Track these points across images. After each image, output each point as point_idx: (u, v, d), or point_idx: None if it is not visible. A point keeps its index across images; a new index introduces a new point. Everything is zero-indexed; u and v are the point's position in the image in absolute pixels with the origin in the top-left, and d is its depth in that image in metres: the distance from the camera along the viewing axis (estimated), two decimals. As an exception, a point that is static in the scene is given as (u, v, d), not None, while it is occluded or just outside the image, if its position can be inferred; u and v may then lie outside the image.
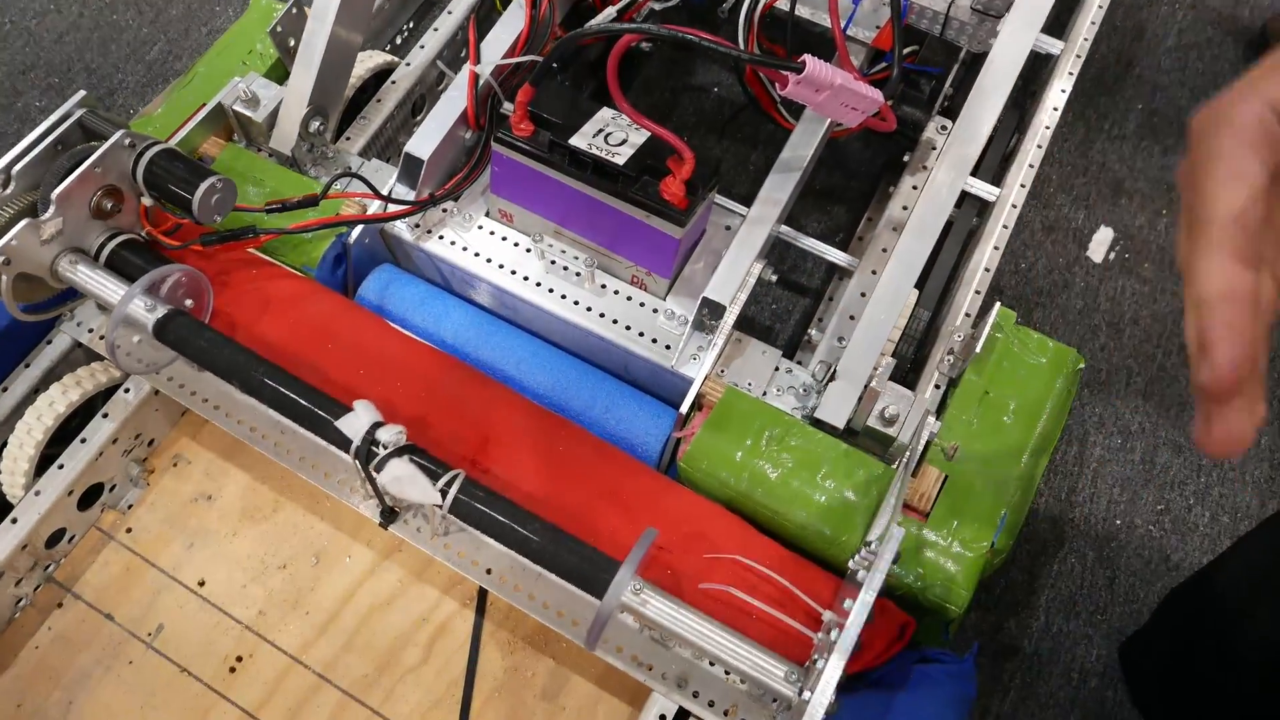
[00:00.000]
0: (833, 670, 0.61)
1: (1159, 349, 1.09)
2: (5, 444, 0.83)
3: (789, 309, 1.10)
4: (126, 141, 0.77)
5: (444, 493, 0.69)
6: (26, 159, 0.75)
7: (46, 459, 0.83)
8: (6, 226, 0.73)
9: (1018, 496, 0.81)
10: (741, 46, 1.00)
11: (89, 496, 0.85)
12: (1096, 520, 1.01)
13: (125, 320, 0.74)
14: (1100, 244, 1.15)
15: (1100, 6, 1.10)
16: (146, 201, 0.80)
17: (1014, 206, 0.97)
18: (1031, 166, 0.99)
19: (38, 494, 0.81)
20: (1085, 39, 1.07)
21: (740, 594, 0.72)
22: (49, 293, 0.81)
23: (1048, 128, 1.02)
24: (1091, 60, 1.25)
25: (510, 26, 0.97)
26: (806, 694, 0.62)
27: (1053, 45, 1.08)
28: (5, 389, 0.86)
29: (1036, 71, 1.09)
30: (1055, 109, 1.03)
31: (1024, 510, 0.82)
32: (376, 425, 0.71)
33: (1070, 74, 1.05)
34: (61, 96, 1.22)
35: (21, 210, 0.75)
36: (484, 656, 0.83)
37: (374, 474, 0.71)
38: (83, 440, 0.83)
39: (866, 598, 0.61)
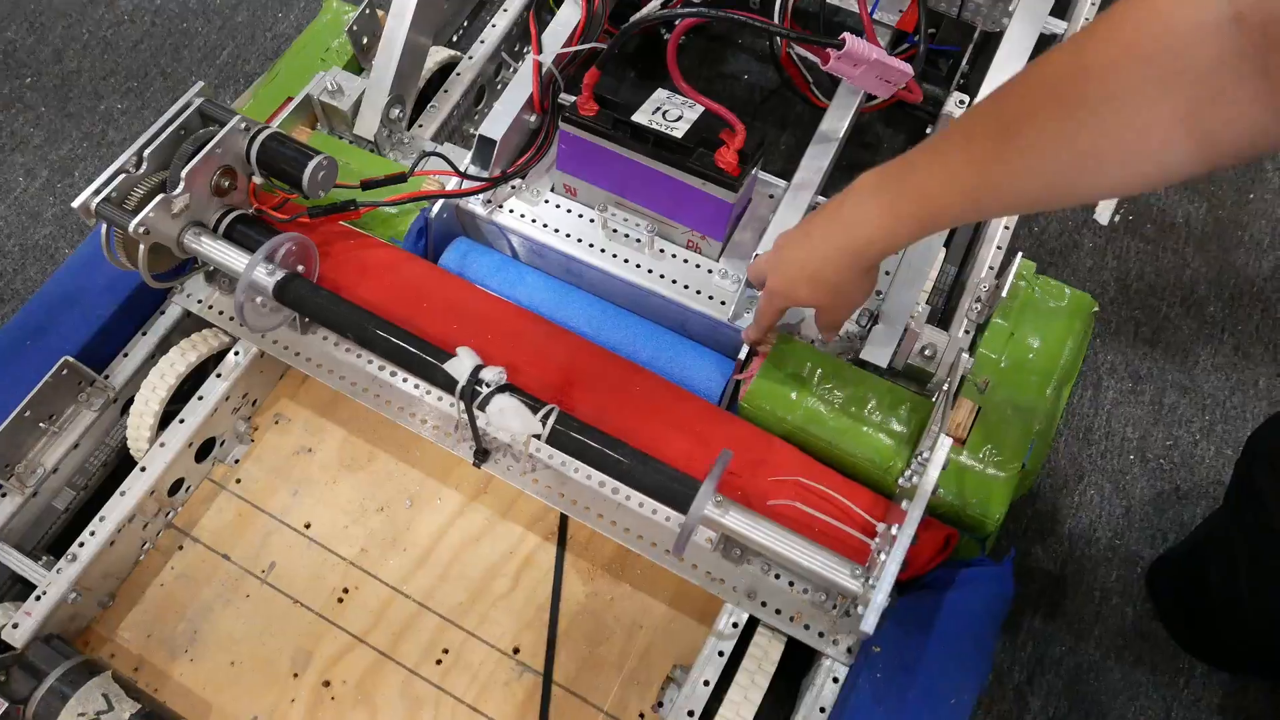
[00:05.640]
0: (896, 557, 0.70)
1: (1163, 301, 1.18)
2: (129, 402, 0.92)
3: (823, 273, 1.19)
4: (242, 126, 0.86)
5: (544, 423, 0.78)
6: (156, 142, 0.84)
7: (166, 416, 0.92)
8: (143, 202, 0.82)
9: (1044, 424, 0.90)
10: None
11: (203, 450, 0.94)
12: (1112, 456, 1.10)
13: (251, 285, 0.83)
14: (1106, 208, 1.24)
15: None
16: (257, 180, 0.90)
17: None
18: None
19: (163, 445, 0.90)
20: (1086, 18, 1.17)
21: (805, 508, 0.81)
22: (171, 263, 0.90)
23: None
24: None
25: (567, 20, 1.07)
26: (872, 581, 0.71)
27: (1057, 25, 1.18)
28: (126, 355, 0.95)
29: (1043, 49, 1.19)
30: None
31: (1049, 437, 0.92)
32: (480, 367, 0.80)
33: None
34: (140, 99, 1.31)
35: (153, 188, 0.84)
36: (567, 583, 0.92)
37: (477, 411, 0.80)
38: (200, 398, 0.92)
39: (926, 488, 0.70)
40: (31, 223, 1.23)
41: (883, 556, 0.72)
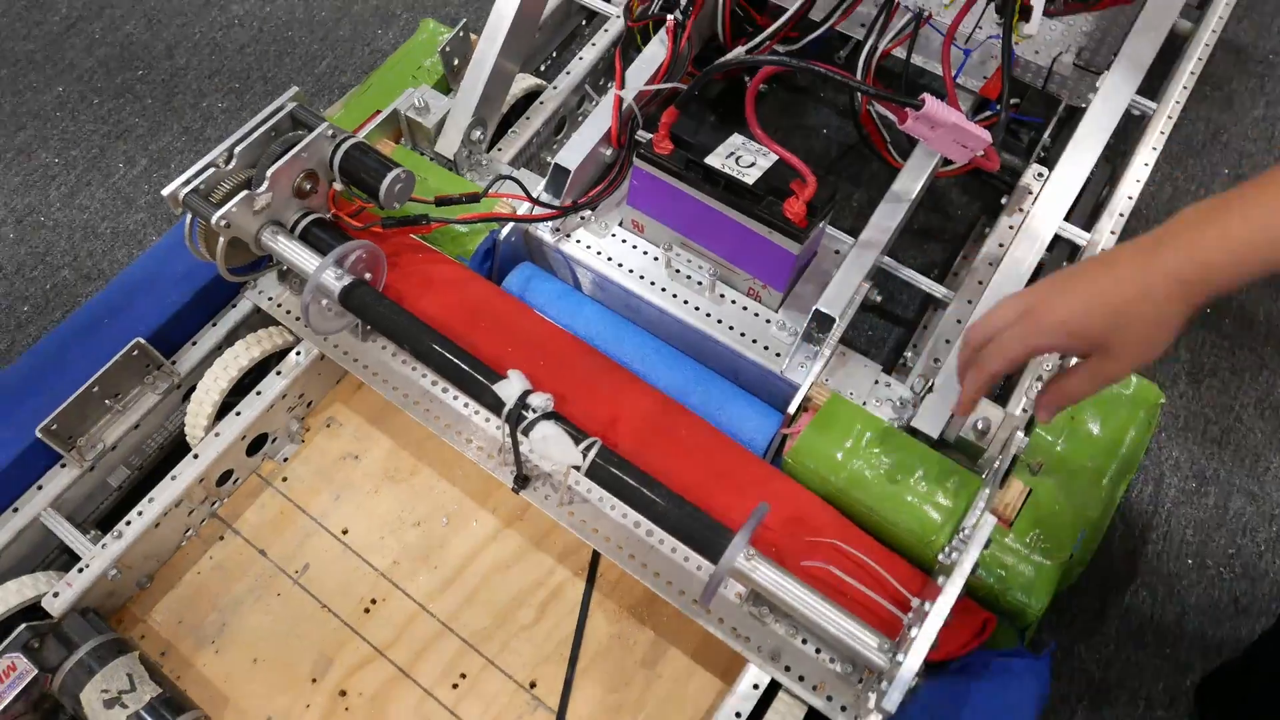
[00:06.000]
0: (927, 635, 0.67)
1: (1236, 401, 1.14)
2: (192, 390, 0.95)
3: (884, 335, 1.18)
4: (329, 133, 0.89)
5: (584, 455, 0.78)
6: (248, 140, 0.87)
7: (225, 407, 0.95)
8: (228, 196, 0.85)
9: (1097, 514, 0.87)
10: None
11: (255, 445, 0.96)
12: (1169, 558, 1.06)
13: (319, 287, 0.85)
14: (1185, 299, 1.20)
15: (1192, 73, 1.17)
16: (337, 186, 0.92)
17: (1103, 251, 1.04)
18: (1121, 215, 1.06)
19: (217, 435, 0.92)
20: (1177, 102, 1.14)
21: (838, 572, 0.79)
22: (247, 259, 0.93)
23: (1138, 180, 1.08)
24: (1181, 125, 1.32)
25: (652, 58, 1.09)
26: (900, 657, 0.68)
27: (1147, 106, 1.16)
28: (195, 343, 0.98)
29: (1129, 130, 1.17)
30: (1146, 165, 1.10)
31: (1102, 528, 0.88)
32: (528, 392, 0.80)
33: (1162, 133, 1.12)
34: (240, 100, 1.37)
35: (239, 184, 0.87)
36: (591, 622, 0.91)
37: (521, 436, 0.81)
38: (258, 393, 0.94)
39: (965, 566, 0.68)
40: (125, 208, 1.28)
41: (914, 632, 0.69)
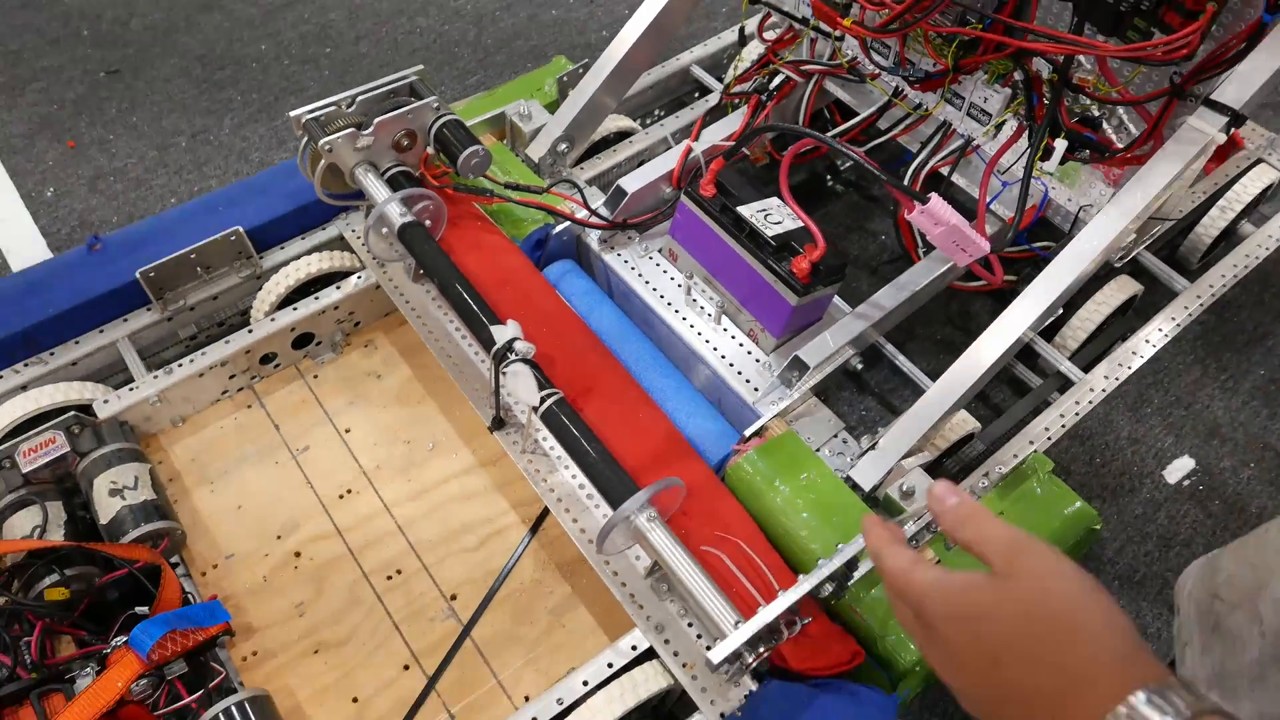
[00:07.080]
0: (767, 611, 0.75)
1: (1201, 575, 1.15)
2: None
3: (876, 418, 1.25)
4: (434, 105, 1.07)
5: (544, 400, 0.90)
6: (370, 94, 1.06)
7: (287, 303, 1.12)
8: (338, 130, 1.04)
9: (996, 603, 0.91)
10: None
11: (301, 341, 1.13)
12: (1086, 695, 1.07)
13: (382, 216, 1.03)
14: (1178, 469, 1.23)
15: (1234, 265, 1.23)
16: (430, 150, 1.10)
17: (1091, 391, 1.10)
18: (1120, 365, 1.12)
19: (272, 320, 1.10)
20: (1210, 285, 1.21)
21: (731, 565, 0.87)
22: (342, 189, 1.11)
23: (1148, 342, 1.15)
24: (1228, 320, 1.36)
25: (730, 124, 1.24)
26: (737, 626, 0.76)
27: (1180, 283, 1.22)
28: (282, 247, 1.17)
29: (1162, 303, 1.23)
30: (1160, 330, 1.16)
31: (999, 619, 0.93)
32: (515, 339, 0.94)
33: (1185, 308, 1.18)
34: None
35: (350, 124, 1.06)
36: (521, 563, 1.01)
37: (501, 374, 0.94)
38: (315, 298, 1.12)
39: (824, 570, 0.76)
40: (277, 146, 1.53)
41: (759, 610, 0.77)
